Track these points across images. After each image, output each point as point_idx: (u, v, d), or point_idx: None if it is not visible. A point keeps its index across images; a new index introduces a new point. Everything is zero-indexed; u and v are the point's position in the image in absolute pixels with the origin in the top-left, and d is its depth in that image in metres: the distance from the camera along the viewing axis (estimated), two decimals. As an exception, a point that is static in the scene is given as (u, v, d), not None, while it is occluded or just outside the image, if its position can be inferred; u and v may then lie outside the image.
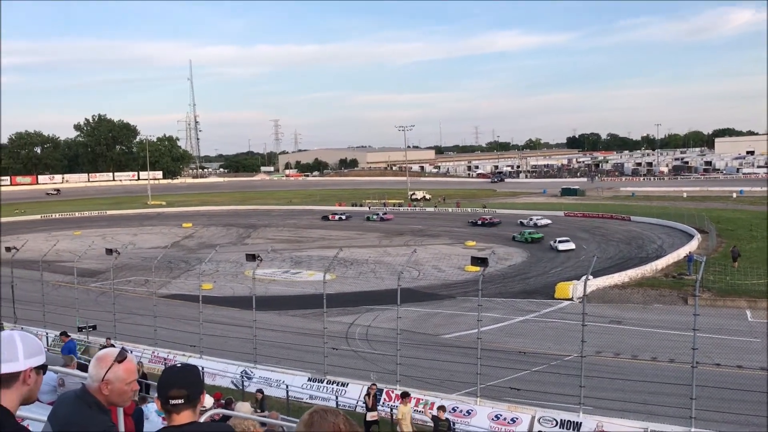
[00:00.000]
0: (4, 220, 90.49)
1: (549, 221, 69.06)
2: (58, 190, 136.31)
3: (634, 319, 33.09)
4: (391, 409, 17.77)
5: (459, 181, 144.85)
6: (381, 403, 20.33)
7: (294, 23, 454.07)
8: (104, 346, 25.63)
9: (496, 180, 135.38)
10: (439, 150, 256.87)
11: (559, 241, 55.35)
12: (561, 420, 17.44)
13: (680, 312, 31.68)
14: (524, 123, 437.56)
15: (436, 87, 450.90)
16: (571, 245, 54.59)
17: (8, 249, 34.23)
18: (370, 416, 16.91)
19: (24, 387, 2.46)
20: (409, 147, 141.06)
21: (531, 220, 69.29)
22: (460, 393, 20.57)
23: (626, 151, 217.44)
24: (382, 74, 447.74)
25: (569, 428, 17.20)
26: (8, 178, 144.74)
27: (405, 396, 16.63)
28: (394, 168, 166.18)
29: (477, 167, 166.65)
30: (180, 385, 2.64)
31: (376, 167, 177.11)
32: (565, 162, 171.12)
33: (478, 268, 25.79)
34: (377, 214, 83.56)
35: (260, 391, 17.75)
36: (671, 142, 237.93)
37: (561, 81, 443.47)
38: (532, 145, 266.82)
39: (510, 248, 55.76)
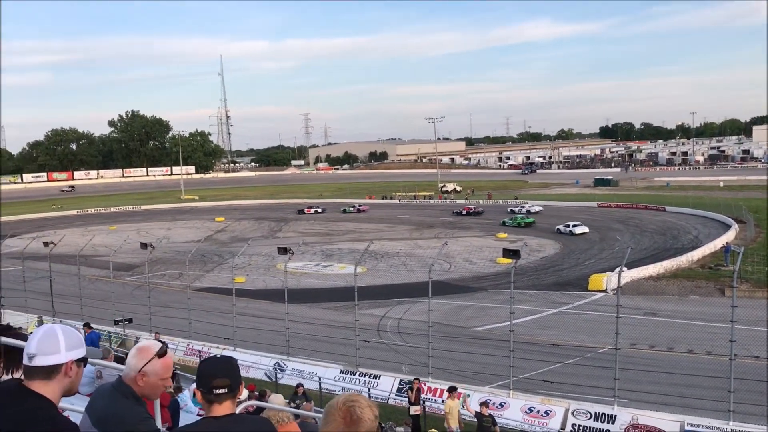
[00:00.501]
0: (41, 215, 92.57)
1: (540, 208, 72.51)
2: (72, 187, 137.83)
3: (669, 310, 32.60)
4: (423, 403, 17.67)
5: (490, 172, 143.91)
6: (404, 393, 20.41)
7: (325, 17, 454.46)
8: (136, 340, 26.06)
9: (527, 171, 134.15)
10: (470, 141, 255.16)
11: (573, 225, 58.19)
12: (595, 413, 17.29)
13: (717, 304, 31.12)
14: (556, 113, 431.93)
15: (467, 78, 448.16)
16: (585, 228, 57.61)
17: (46, 244, 35.01)
18: (414, 410, 16.74)
19: (66, 379, 2.51)
20: (439, 139, 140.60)
21: (523, 207, 72.42)
22: (492, 385, 20.50)
23: (660, 141, 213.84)
24: (412, 66, 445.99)
25: (604, 421, 17.05)
26: (45, 174, 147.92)
27: (452, 390, 16.36)
28: (424, 160, 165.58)
29: (508, 158, 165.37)
30: (223, 375, 2.67)
31: (406, 160, 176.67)
32: (598, 152, 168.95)
33: (510, 260, 25.74)
34: (354, 206, 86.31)
35: (300, 385, 17.64)
36: (707, 130, 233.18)
37: (593, 70, 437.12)
38: (564, 136, 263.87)
39: (543, 240, 55.30)
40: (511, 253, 20.97)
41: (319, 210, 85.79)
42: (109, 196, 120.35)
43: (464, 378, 21.72)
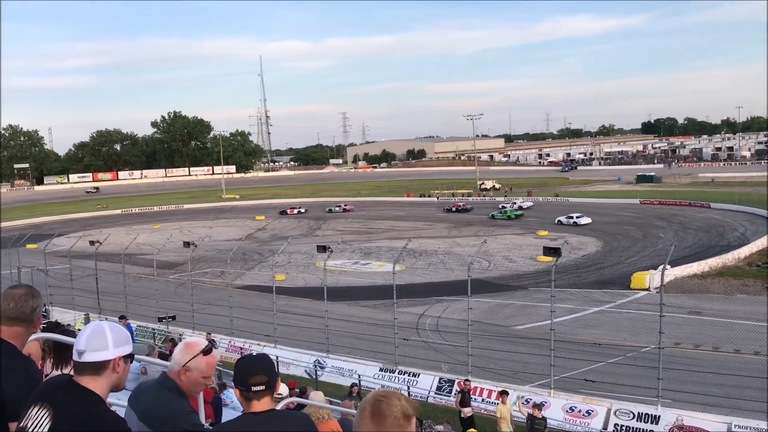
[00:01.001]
0: (87, 215, 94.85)
1: (531, 203, 78.30)
2: (96, 188, 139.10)
3: (714, 309, 31.86)
4: (461, 400, 17.54)
5: (530, 169, 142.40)
6: (453, 394, 20.34)
7: (363, 15, 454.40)
8: (180, 337, 26.53)
9: (567, 169, 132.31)
10: (509, 138, 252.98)
11: (577, 217, 63.15)
12: (639, 413, 17.01)
13: (765, 302, 30.31)
14: (597, 109, 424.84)
15: (506, 74, 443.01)
16: (588, 219, 62.25)
17: (92, 242, 35.85)
18: (465, 412, 16.56)
19: (113, 375, 2.58)
20: (477, 136, 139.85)
21: (515, 203, 76.58)
22: (533, 384, 20.33)
23: (705, 136, 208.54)
24: (450, 63, 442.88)
25: (647, 421, 16.77)
26: (90, 174, 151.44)
27: (504, 394, 16.18)
28: (462, 158, 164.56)
29: (548, 155, 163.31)
30: (261, 372, 2.71)
31: (444, 157, 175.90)
32: (640, 148, 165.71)
33: (550, 258, 25.44)
34: (339, 206, 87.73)
35: (355, 384, 17.44)
36: (754, 125, 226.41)
37: (635, 65, 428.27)
38: (606, 132, 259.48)
39: (584, 238, 54.61)
40: (552, 251, 20.71)
41: (303, 210, 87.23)
42: (133, 197, 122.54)
43: (504, 377, 21.60)
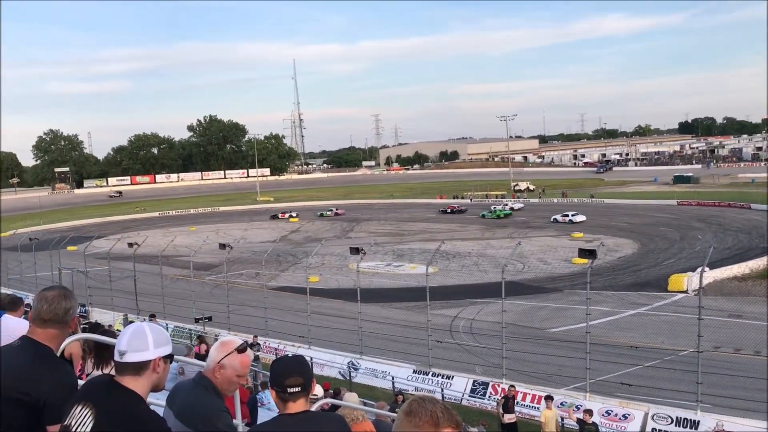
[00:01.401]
0: (126, 217, 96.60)
1: (522, 205, 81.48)
2: (120, 192, 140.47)
3: (756, 312, 31.06)
4: (504, 405, 17.40)
5: (564, 170, 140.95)
6: (488, 396, 20.24)
7: (395, 17, 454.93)
8: (216, 338, 26.81)
9: (602, 170, 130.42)
10: (543, 139, 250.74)
11: (573, 215, 66.12)
12: (677, 417, 16.71)
13: (809, 306, 29.52)
14: (632, 109, 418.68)
15: (539, 74, 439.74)
16: (583, 217, 65.08)
17: (130, 245, 36.53)
18: (508, 418, 16.30)
19: (154, 375, 2.63)
20: (511, 137, 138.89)
21: (506, 205, 79.33)
22: (568, 388, 20.13)
23: (745, 135, 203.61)
24: (483, 63, 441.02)
25: (686, 426, 16.46)
26: (128, 177, 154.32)
27: (549, 399, 15.94)
28: (496, 159, 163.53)
29: (583, 156, 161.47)
30: (296, 373, 2.74)
31: (477, 159, 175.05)
32: (677, 148, 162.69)
33: (586, 261, 25.09)
34: (331, 210, 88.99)
35: (400, 393, 16.67)
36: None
37: (671, 63, 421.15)
38: (642, 132, 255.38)
39: (620, 240, 53.86)
40: (587, 253, 20.50)
41: (294, 215, 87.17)
42: (170, 199, 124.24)
43: (539, 380, 21.43)
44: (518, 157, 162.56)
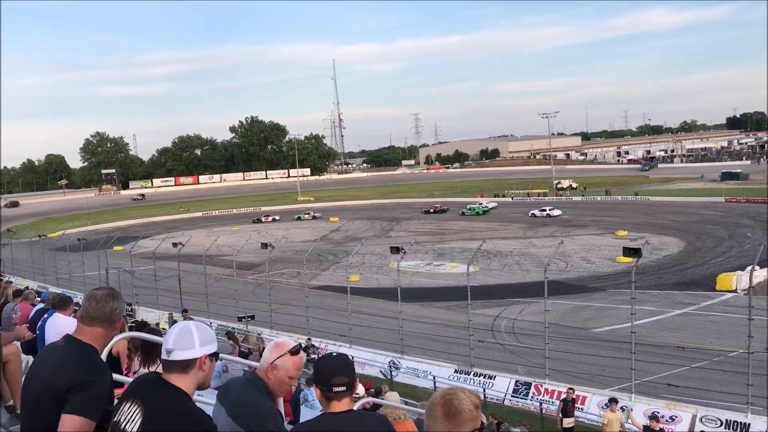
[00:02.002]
0: (170, 218, 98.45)
1: (496, 204, 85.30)
2: (143, 195, 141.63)
3: (810, 313, 30.13)
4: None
5: (608, 167, 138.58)
6: (530, 396, 20.05)
7: (434, 15, 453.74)
8: (258, 336, 27.13)
9: (647, 167, 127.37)
10: (586, 136, 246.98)
11: (549, 209, 72.61)
12: (726, 420, 16.29)
13: None
14: (678, 104, 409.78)
15: (581, 71, 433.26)
16: (559, 211, 71.68)
17: (175, 244, 37.19)
18: (567, 423, 15.99)
19: (200, 373, 2.67)
20: (553, 134, 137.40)
21: (481, 204, 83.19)
22: (612, 388, 19.80)
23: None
24: (523, 60, 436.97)
25: (736, 429, 16.06)
26: (173, 179, 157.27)
27: (613, 401, 15.52)
28: (537, 157, 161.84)
29: (627, 153, 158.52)
30: (342, 373, 2.75)
31: (518, 157, 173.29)
32: (724, 144, 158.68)
33: (630, 259, 24.70)
34: (308, 213, 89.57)
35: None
36: None
37: (717, 57, 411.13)
38: (688, 128, 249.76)
39: (665, 238, 52.78)
40: (632, 252, 20.12)
41: (277, 218, 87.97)
42: (213, 200, 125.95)
43: (583, 380, 21.12)
44: (560, 155, 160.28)
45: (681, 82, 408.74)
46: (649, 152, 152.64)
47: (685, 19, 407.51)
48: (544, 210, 72.96)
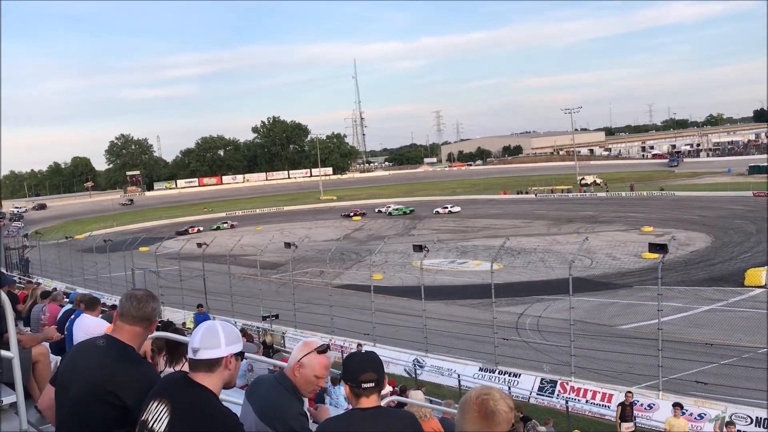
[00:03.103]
0: (194, 218, 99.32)
1: (402, 206, 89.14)
2: (131, 200, 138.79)
3: (842, 308, 29.56)
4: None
5: (633, 163, 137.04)
6: (556, 394, 19.91)
7: (455, 12, 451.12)
8: (282, 335, 27.27)
9: (675, 162, 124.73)
10: (609, 131, 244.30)
11: (451, 207, 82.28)
12: (757, 417, 16.04)
13: None
14: (704, 97, 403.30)
15: (605, 65, 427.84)
16: (458, 208, 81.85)
17: (199, 245, 37.52)
18: (626, 427, 15.63)
19: (226, 372, 2.69)
20: (576, 130, 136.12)
21: (389, 207, 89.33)
22: (639, 386, 19.57)
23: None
24: (546, 56, 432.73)
25: (766, 427, 15.78)
26: (196, 179, 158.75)
27: (677, 406, 15.07)
28: (560, 153, 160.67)
29: (652, 147, 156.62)
30: (371, 369, 2.76)
31: (541, 153, 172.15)
32: (752, 137, 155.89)
33: (656, 255, 24.34)
34: (226, 222, 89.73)
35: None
36: None
37: (744, 49, 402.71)
38: (714, 121, 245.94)
39: (692, 233, 52.08)
40: (658, 248, 19.79)
41: (201, 229, 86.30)
42: (237, 200, 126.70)
43: (609, 377, 20.93)
44: (584, 150, 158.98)
45: (707, 74, 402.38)
46: (674, 146, 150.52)
47: (712, 10, 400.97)
48: (446, 207, 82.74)
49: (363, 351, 2.99)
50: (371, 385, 2.73)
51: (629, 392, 16.33)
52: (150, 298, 3.22)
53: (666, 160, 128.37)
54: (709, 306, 32.20)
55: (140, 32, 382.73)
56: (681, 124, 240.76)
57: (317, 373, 3.07)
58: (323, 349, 3.09)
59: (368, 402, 2.74)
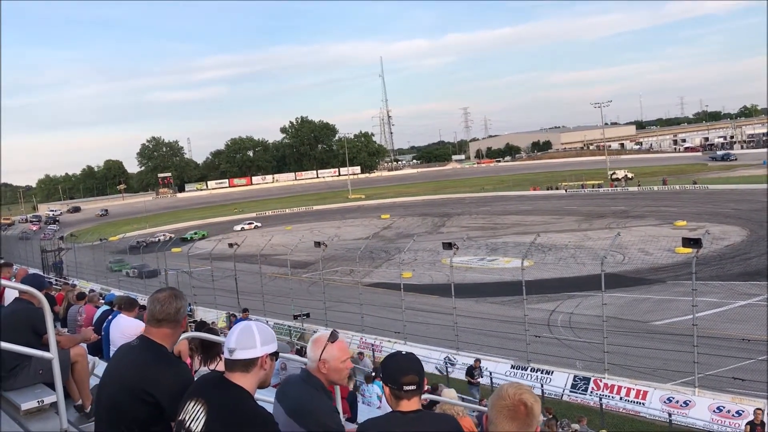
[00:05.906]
0: (225, 219, 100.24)
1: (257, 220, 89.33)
2: (106, 210, 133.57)
3: None
4: (604, 399, 16.92)
5: (665, 156, 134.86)
6: (589, 392, 19.73)
7: (482, 8, 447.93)
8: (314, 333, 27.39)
9: (727, 157, 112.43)
10: (640, 125, 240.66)
11: (246, 223, 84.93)
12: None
13: None
14: (737, 89, 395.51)
15: (635, 58, 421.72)
16: (259, 224, 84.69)
17: (231, 245, 37.90)
18: None
19: (261, 372, 2.72)
20: (606, 124, 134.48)
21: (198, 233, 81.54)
22: (675, 383, 19.32)
23: None
24: (575, 50, 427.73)
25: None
26: (227, 180, 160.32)
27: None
28: (591, 147, 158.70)
29: (683, 141, 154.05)
30: (413, 372, 2.76)
31: (571, 148, 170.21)
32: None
33: (690, 250, 23.98)
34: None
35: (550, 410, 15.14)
36: None
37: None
38: (747, 113, 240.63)
39: (727, 227, 51.13)
40: (692, 242, 19.51)
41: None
42: (267, 200, 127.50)
43: (643, 375, 20.67)
44: (614, 145, 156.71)
45: (740, 66, 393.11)
46: (707, 139, 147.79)
47: (743, 2, 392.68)
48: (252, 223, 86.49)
49: (402, 352, 2.99)
50: (413, 387, 2.72)
51: (759, 409, 15.03)
52: (173, 298, 3.27)
53: (710, 154, 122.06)
54: (745, 301, 31.57)
55: (169, 35, 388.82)
56: (713, 117, 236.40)
57: (341, 358, 3.10)
58: (335, 337, 3.12)
59: (410, 405, 2.73)
